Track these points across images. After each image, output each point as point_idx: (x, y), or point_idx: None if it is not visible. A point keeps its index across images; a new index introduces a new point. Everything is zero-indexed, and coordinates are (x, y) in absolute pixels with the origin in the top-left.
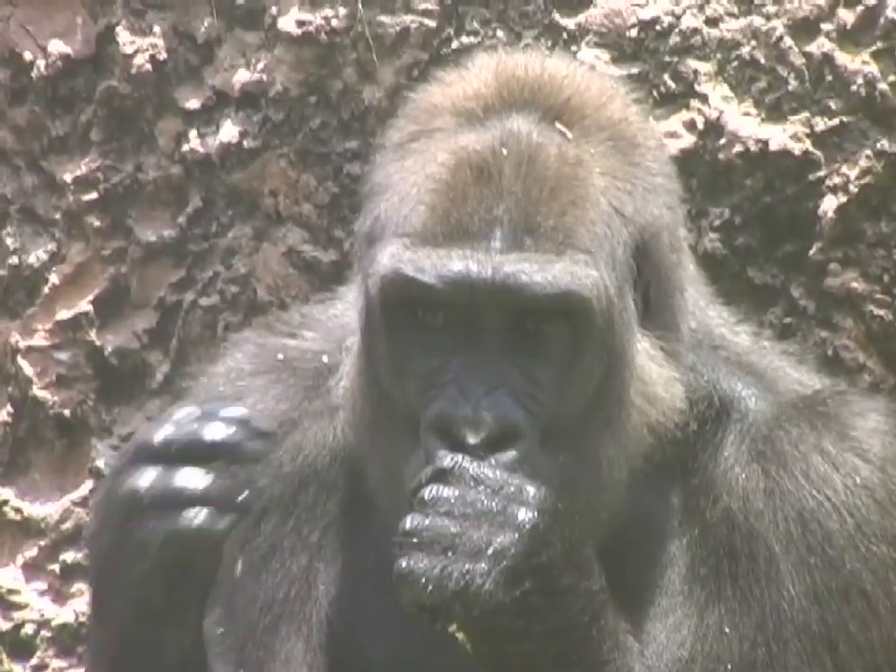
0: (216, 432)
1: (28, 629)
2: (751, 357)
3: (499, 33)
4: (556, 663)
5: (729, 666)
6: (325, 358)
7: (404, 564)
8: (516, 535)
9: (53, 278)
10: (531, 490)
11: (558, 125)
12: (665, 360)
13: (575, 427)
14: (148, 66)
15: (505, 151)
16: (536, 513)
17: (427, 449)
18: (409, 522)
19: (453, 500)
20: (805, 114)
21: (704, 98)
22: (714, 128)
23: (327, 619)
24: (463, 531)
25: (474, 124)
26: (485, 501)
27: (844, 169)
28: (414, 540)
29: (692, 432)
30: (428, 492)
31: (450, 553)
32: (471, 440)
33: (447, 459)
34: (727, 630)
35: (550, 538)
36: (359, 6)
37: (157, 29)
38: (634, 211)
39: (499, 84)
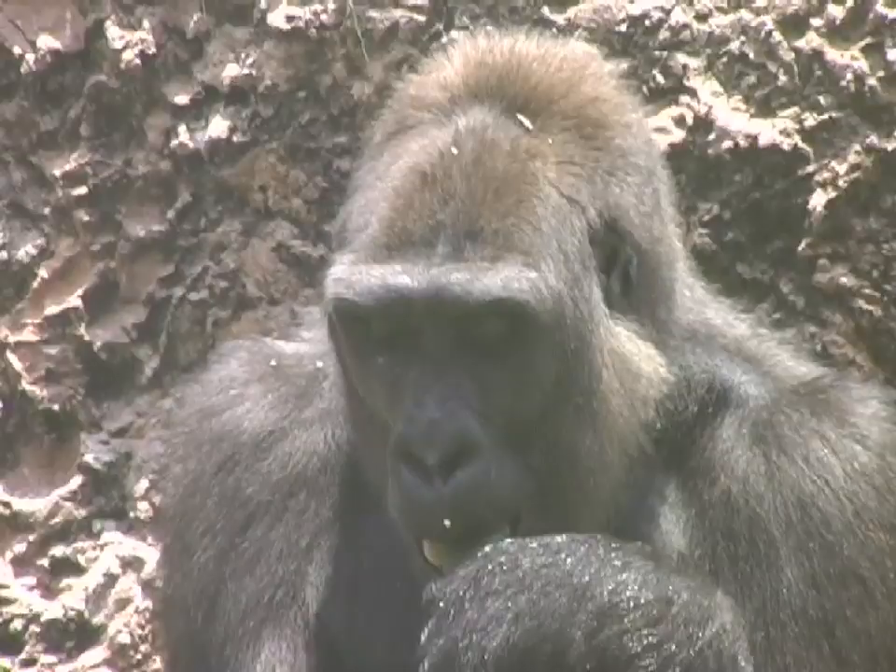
0: None
1: (17, 624)
2: (750, 344)
3: (489, 28)
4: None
5: None
6: (319, 363)
7: None
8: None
9: (42, 273)
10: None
11: (519, 116)
12: (649, 335)
13: (543, 425)
14: (137, 61)
15: (455, 151)
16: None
17: (394, 473)
18: None
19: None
20: (795, 109)
21: (693, 93)
22: (703, 123)
23: (318, 620)
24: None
25: (440, 119)
26: None
27: (833, 164)
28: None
29: (691, 415)
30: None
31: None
32: (429, 460)
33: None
34: None
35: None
36: (349, 0)
37: (146, 24)
38: (591, 196)
39: (467, 73)
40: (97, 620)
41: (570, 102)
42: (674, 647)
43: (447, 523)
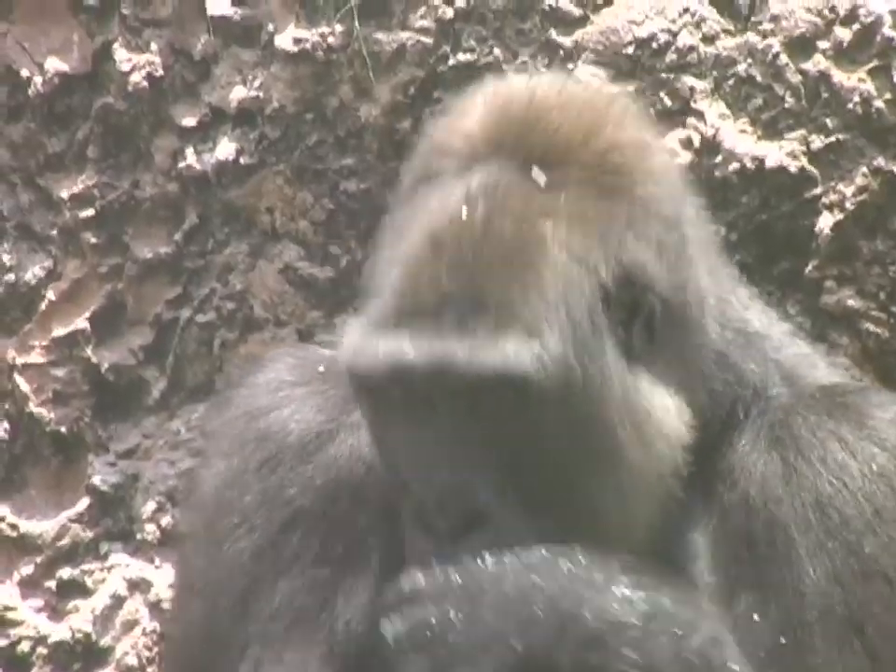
0: None
1: (24, 646)
2: (785, 353)
3: (496, 50)
4: None
5: (762, 654)
6: None
7: None
8: None
9: (50, 295)
10: None
11: (534, 171)
12: (674, 379)
13: (559, 487)
14: (145, 83)
15: (466, 215)
16: None
17: (410, 537)
18: None
19: None
20: (802, 131)
21: (700, 115)
22: (711, 145)
23: (348, 627)
24: None
25: (461, 173)
26: None
27: (840, 186)
28: None
29: (717, 429)
30: None
31: None
32: (441, 527)
33: None
34: (756, 618)
35: None
36: (356, 23)
37: (153, 46)
38: (604, 255)
39: (488, 123)
40: (104, 642)
41: (589, 150)
42: (662, 663)
43: None
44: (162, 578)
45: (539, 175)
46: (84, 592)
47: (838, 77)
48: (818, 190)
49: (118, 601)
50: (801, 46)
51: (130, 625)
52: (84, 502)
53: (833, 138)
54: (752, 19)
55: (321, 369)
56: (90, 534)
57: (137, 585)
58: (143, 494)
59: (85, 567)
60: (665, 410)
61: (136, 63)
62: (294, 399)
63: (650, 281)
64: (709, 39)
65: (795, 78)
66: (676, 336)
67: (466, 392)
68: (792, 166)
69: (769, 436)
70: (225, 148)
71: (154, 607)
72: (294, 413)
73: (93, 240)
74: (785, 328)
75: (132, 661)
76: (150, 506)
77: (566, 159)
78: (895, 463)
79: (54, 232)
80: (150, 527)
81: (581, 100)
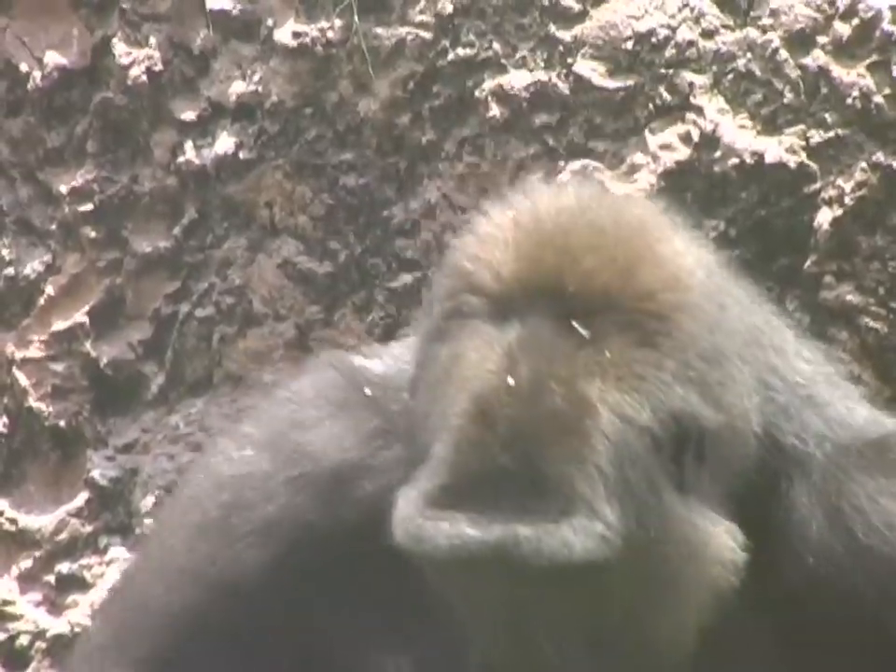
0: None
1: (23, 640)
2: (825, 412)
3: (495, 45)
4: None
5: None
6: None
7: None
8: None
9: (49, 289)
10: None
11: (575, 324)
12: (723, 490)
13: (622, 631)
14: (144, 78)
15: (512, 381)
16: None
17: None
18: None
19: None
20: (801, 126)
21: (699, 110)
22: (709, 140)
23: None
24: None
25: (495, 321)
26: None
27: (839, 182)
28: None
29: (759, 493)
30: None
31: None
32: None
33: None
34: None
35: None
36: (355, 17)
37: (153, 40)
38: (654, 411)
39: (520, 267)
40: None
41: (627, 295)
42: None
43: None
44: None
45: (580, 330)
46: (83, 586)
47: (838, 72)
48: (817, 186)
49: None
50: (800, 41)
51: None
52: (83, 496)
53: (832, 133)
54: (751, 14)
55: (367, 391)
56: (89, 528)
57: None
58: (142, 488)
59: (84, 561)
60: (718, 537)
61: (136, 57)
62: (337, 423)
63: (696, 418)
64: (708, 34)
65: (794, 73)
66: (723, 449)
67: (529, 573)
68: (792, 161)
69: (826, 505)
70: (224, 143)
71: None
72: (335, 437)
73: (92, 234)
74: (829, 376)
75: None
76: (149, 500)
77: (604, 306)
78: None
79: (53, 227)
80: (149, 522)
81: (614, 238)
